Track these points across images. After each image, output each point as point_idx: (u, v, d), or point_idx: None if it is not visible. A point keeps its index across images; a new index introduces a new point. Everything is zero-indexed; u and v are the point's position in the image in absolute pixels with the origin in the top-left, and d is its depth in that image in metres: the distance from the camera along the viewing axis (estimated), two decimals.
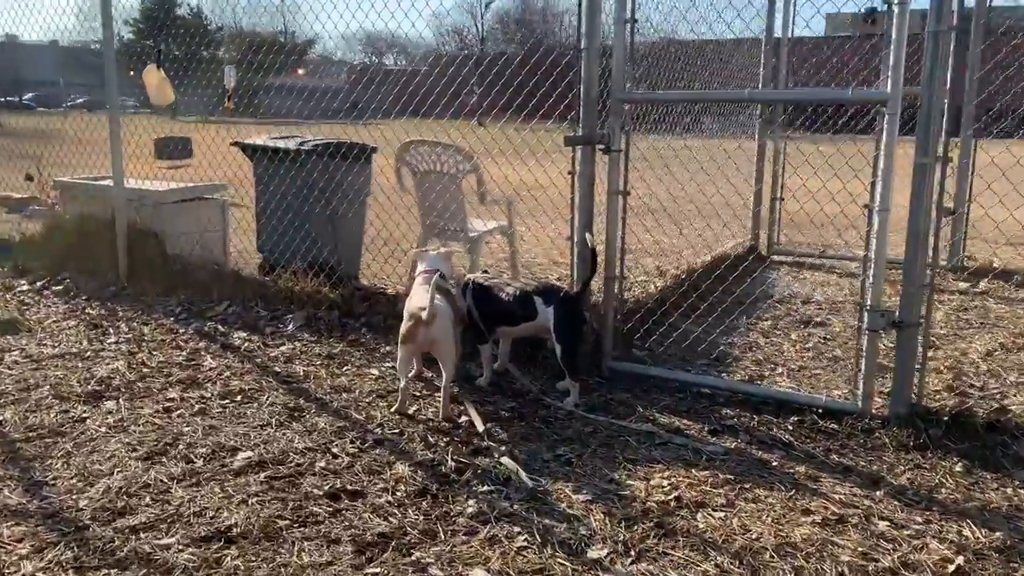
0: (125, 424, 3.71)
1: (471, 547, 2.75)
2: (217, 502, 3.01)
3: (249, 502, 3.01)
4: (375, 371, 4.44)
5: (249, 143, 5.94)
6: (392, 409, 3.91)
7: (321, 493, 3.10)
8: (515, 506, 3.03)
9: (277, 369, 4.46)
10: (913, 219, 3.55)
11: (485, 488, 3.16)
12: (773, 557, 2.73)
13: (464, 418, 3.81)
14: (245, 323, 5.21)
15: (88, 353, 4.67)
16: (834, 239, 7.68)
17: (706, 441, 3.63)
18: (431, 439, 3.60)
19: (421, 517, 2.94)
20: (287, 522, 2.89)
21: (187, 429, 3.65)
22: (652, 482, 3.23)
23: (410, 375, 4.06)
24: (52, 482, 3.17)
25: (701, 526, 2.92)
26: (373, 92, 6.98)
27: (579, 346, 4.20)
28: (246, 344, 4.84)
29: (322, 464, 3.33)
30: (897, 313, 3.64)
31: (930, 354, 4.11)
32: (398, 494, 3.10)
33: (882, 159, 3.57)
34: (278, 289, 5.51)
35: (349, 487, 3.14)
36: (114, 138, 5.85)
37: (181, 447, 3.47)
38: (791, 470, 3.36)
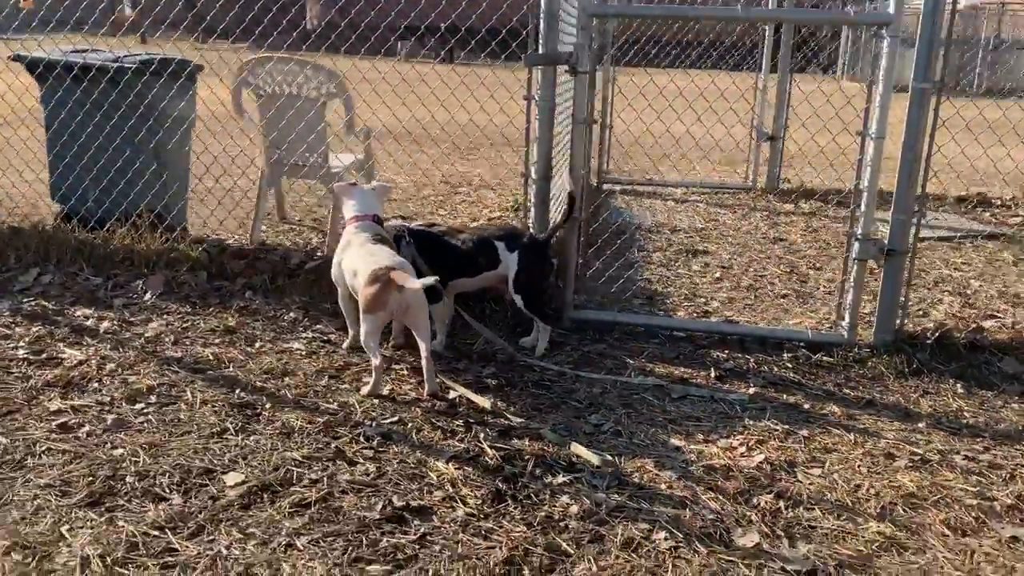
0: (20, 457, 2.61)
1: (621, 559, 2.26)
2: (257, 556, 2.18)
3: (298, 545, 2.23)
4: (298, 344, 3.62)
5: (38, 57, 4.49)
6: (364, 392, 3.17)
7: (379, 517, 2.38)
8: (614, 496, 2.56)
9: (171, 354, 3.45)
10: (908, 147, 3.49)
11: (561, 479, 2.64)
12: (917, 511, 2.56)
13: (453, 394, 3.20)
14: (78, 296, 4.01)
15: None
16: (651, 168, 7.76)
17: (722, 390, 3.38)
18: (441, 424, 2.97)
19: (526, 529, 2.37)
20: (376, 567, 2.17)
21: (119, 452, 2.66)
22: (719, 444, 2.92)
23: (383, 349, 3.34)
24: None
25: (813, 488, 2.67)
26: None
27: (544, 295, 3.74)
28: (102, 324, 3.70)
29: (345, 477, 2.58)
30: (887, 241, 3.62)
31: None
32: (470, 503, 2.48)
33: (880, 83, 3.46)
34: (109, 249, 4.29)
35: (407, 503, 2.46)
36: None
37: (131, 479, 2.50)
38: (825, 411, 3.23)
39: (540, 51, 3.66)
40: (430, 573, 2.15)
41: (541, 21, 3.64)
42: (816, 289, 4.78)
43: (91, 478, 2.49)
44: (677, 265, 5.19)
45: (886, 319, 3.71)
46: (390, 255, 3.24)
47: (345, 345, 3.61)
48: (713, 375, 3.51)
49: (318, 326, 3.82)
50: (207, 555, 2.16)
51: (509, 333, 3.83)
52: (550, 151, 3.80)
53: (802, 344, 3.77)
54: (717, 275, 4.98)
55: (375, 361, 3.16)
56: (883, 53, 3.44)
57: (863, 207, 3.61)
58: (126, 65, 4.41)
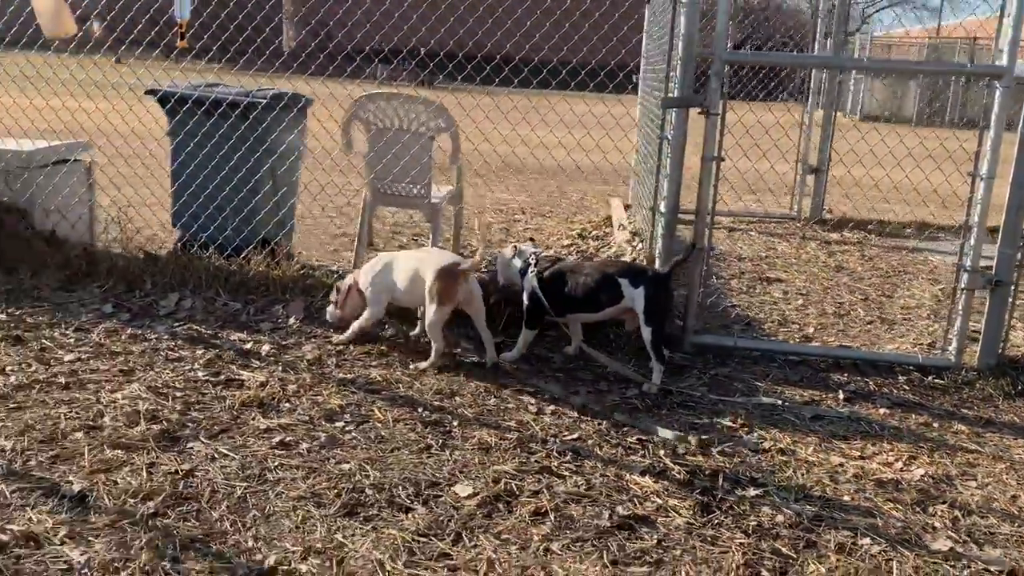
0: (258, 472, 2.80)
1: (842, 562, 2.51)
2: (525, 559, 2.40)
3: (554, 550, 2.45)
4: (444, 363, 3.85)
5: (171, 91, 4.70)
6: (423, 365, 3.78)
7: (610, 524, 2.62)
8: (806, 507, 2.82)
9: (342, 375, 3.66)
10: (1018, 186, 3.82)
11: (753, 492, 2.89)
12: None
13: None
14: (224, 320, 4.20)
15: (57, 379, 3.45)
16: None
17: (854, 411, 3.66)
18: (617, 440, 3.21)
19: (744, 536, 2.61)
20: (635, 568, 2.40)
21: (347, 467, 2.87)
22: (876, 460, 3.19)
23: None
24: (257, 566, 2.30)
25: (977, 498, 2.95)
26: None
27: (665, 328, 3.97)
28: (262, 347, 3.90)
29: (561, 488, 2.81)
30: (994, 272, 3.93)
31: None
32: (684, 513, 2.72)
33: (992, 129, 3.79)
34: (246, 275, 4.49)
35: (632, 512, 2.69)
36: None
37: (371, 491, 2.71)
38: (953, 429, 3.52)
39: (675, 94, 3.94)
40: (683, 574, 2.39)
41: (678, 66, 3.93)
42: (895, 315, 5.10)
43: (336, 491, 2.70)
44: (757, 292, 5.48)
45: (990, 344, 4.02)
46: (449, 255, 3.97)
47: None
48: (842, 397, 3.79)
49: (458, 349, 4.05)
50: (480, 559, 2.38)
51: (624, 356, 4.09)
52: (679, 188, 4.08)
53: (912, 367, 4.06)
54: (800, 302, 5.28)
55: (439, 345, 3.77)
56: (995, 101, 3.77)
57: (972, 241, 3.92)
58: (256, 100, 4.63)
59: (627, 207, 7.55)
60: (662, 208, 4.15)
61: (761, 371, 4.05)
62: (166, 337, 3.95)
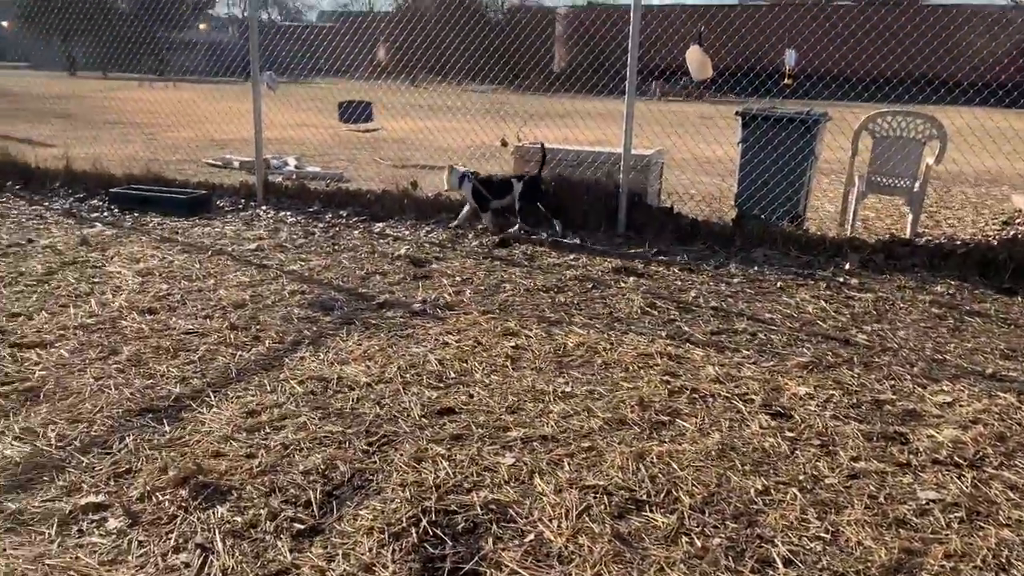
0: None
1: None
2: None
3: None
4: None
5: (750, 111, 6.87)
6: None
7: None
8: None
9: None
10: None
11: None
12: None
13: None
14: (796, 272, 6.18)
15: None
16: None
17: None
18: None
19: None
20: None
21: None
22: None
23: None
24: None
25: None
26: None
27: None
28: (852, 280, 5.84)
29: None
30: None
31: None
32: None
33: None
34: (809, 237, 6.52)
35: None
36: (629, 109, 6.67)
37: None
38: None
39: None
40: None
41: None
42: None
43: None
44: None
45: None
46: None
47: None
48: None
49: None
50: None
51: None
52: None
53: None
54: None
55: None
56: None
57: None
58: (808, 118, 6.66)
59: None
60: None
61: None
62: (790, 279, 6.03)
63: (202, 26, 48.34)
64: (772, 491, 2.98)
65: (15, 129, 13.48)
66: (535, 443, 3.29)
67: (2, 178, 8.83)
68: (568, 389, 3.82)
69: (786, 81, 8.96)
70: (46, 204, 7.95)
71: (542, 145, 6.98)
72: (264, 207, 7.90)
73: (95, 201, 8.09)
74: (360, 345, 4.34)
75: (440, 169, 7.59)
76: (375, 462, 3.13)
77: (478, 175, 7.09)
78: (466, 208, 7.12)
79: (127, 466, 3.05)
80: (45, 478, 2.96)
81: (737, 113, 6.96)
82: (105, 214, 7.58)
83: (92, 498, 2.83)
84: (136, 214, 7.55)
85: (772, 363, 4.25)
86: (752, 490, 2.98)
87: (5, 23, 45.37)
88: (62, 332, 4.39)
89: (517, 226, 6.89)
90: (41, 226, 6.98)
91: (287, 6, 67.24)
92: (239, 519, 2.73)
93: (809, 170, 6.95)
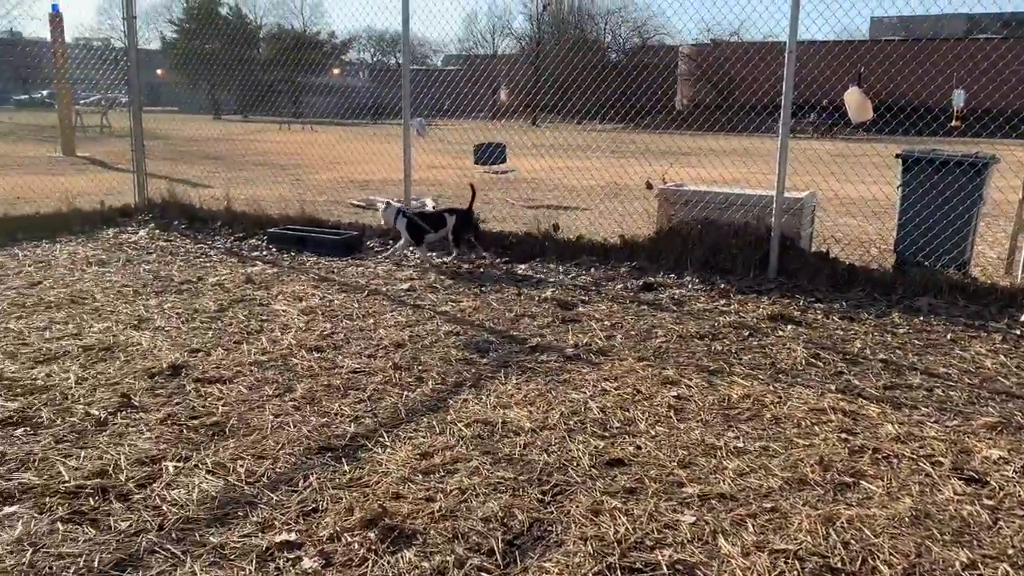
0: None
1: None
2: None
3: None
4: None
5: (911, 153, 6.59)
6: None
7: None
8: None
9: None
10: None
11: None
12: None
13: None
14: (967, 320, 5.84)
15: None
16: None
17: None
18: None
19: None
20: None
21: None
22: None
23: None
24: None
25: None
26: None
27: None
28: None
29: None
30: None
31: None
32: None
33: None
34: (978, 286, 6.16)
35: None
36: (783, 151, 6.52)
37: None
38: None
39: None
40: None
41: None
42: None
43: None
44: None
45: None
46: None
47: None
48: None
49: None
50: None
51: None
52: None
53: None
54: None
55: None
56: None
57: None
58: (978, 161, 6.31)
59: None
60: None
61: None
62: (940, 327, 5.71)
63: (335, 71, 50.84)
64: (980, 565, 2.78)
65: (175, 170, 14.41)
66: (713, 501, 3.20)
67: (170, 217, 9.43)
68: (740, 444, 3.71)
69: (954, 123, 8.52)
70: (209, 243, 8.43)
71: (472, 185, 7.64)
72: (411, 248, 8.12)
73: (254, 240, 8.51)
74: (519, 389, 4.36)
75: (573, 209, 7.61)
76: (551, 512, 3.11)
77: (414, 210, 7.86)
78: (401, 241, 7.61)
79: (314, 504, 3.14)
80: (240, 513, 3.08)
81: (898, 155, 6.68)
82: (264, 253, 7.96)
83: (285, 536, 2.92)
84: (293, 253, 7.90)
85: (956, 422, 4.01)
86: (957, 563, 2.79)
87: (159, 71, 49.07)
88: (238, 368, 4.61)
89: (455, 253, 7.57)
90: (208, 264, 7.40)
91: (414, 51, 70.17)
92: (426, 564, 2.76)
93: (976, 216, 6.59)
